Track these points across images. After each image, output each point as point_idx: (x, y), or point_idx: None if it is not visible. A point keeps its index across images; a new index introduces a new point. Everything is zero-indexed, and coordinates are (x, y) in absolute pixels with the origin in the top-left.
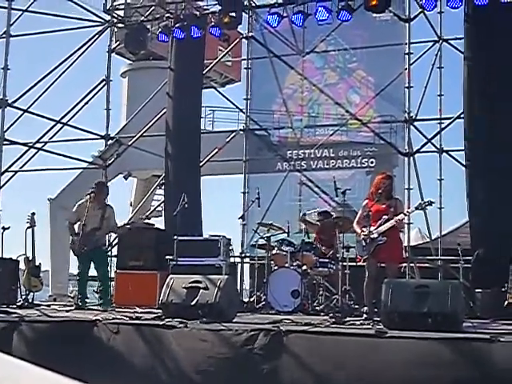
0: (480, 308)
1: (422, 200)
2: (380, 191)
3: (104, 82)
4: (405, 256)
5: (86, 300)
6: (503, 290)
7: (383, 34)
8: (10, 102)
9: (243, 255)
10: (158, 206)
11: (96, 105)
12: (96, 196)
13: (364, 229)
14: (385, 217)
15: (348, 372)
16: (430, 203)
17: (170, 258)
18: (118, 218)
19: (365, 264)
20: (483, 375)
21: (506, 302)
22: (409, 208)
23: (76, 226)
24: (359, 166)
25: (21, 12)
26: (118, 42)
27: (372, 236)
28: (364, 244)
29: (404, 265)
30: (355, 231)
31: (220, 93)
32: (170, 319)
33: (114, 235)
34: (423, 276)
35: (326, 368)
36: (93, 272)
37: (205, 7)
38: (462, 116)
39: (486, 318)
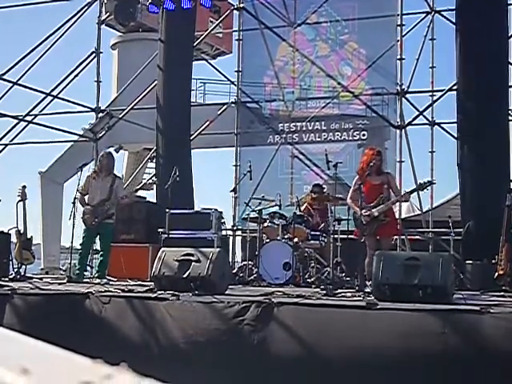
0: (470, 280)
1: (415, 174)
2: (371, 165)
3: (94, 54)
4: (398, 229)
5: (84, 273)
6: (493, 261)
7: (375, 5)
8: None
9: (235, 228)
10: (150, 179)
11: (86, 77)
12: (104, 166)
13: (364, 210)
14: (382, 195)
15: (339, 344)
16: (431, 183)
17: (162, 230)
18: None
19: (357, 238)
20: (473, 347)
21: (496, 274)
22: (406, 190)
23: (86, 198)
24: (351, 138)
25: None
26: (107, 14)
27: (374, 215)
28: (365, 223)
29: (395, 237)
30: (352, 208)
31: (211, 65)
32: (162, 292)
33: None
34: (414, 248)
35: (317, 340)
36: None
37: None
38: (453, 88)
39: (476, 290)
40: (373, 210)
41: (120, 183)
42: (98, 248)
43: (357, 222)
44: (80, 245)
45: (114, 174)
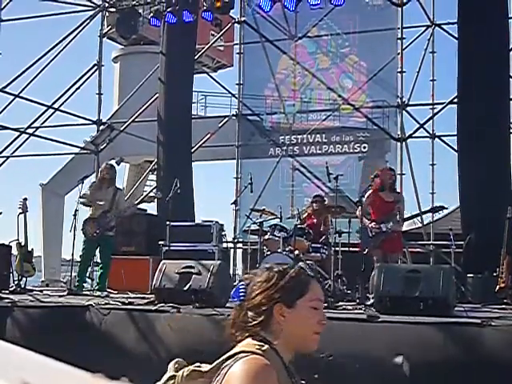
0: (471, 293)
1: (415, 187)
2: (388, 182)
3: (96, 67)
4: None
5: (84, 285)
6: (494, 274)
7: (376, 18)
8: (1, 87)
9: (236, 240)
10: (151, 191)
11: (88, 90)
12: (107, 178)
13: (373, 223)
14: (392, 212)
15: (340, 356)
16: (442, 208)
17: (163, 243)
18: None
19: (359, 251)
20: (474, 359)
21: (497, 287)
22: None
23: (89, 210)
24: (351, 151)
25: None
26: (109, 27)
27: (382, 230)
28: (370, 235)
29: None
30: (362, 220)
31: (212, 78)
32: (162, 304)
33: None
34: (415, 261)
35: (318, 352)
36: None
37: None
38: (454, 101)
39: (477, 303)
40: (381, 225)
41: (121, 195)
42: (99, 260)
43: (363, 234)
44: (80, 257)
45: (116, 186)
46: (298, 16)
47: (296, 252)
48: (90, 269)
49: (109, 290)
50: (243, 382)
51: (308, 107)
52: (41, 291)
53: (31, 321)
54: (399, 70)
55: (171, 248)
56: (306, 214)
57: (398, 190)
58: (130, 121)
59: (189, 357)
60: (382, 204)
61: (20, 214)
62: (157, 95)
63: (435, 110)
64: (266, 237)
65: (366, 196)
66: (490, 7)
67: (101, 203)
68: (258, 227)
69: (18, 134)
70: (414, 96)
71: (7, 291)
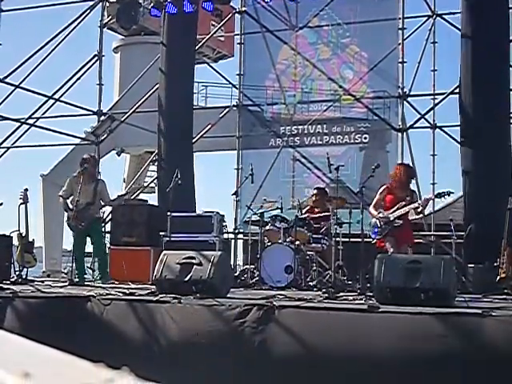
0: (472, 283)
1: (416, 177)
2: (403, 179)
3: (96, 58)
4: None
5: (85, 276)
6: (495, 265)
7: (377, 8)
8: (1, 77)
9: (236, 231)
10: (151, 182)
11: (88, 80)
12: (88, 170)
13: (380, 214)
14: (402, 203)
15: (340, 347)
16: (449, 193)
17: (164, 234)
18: (112, 195)
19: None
20: (475, 350)
21: (498, 277)
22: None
23: (68, 201)
24: (352, 141)
25: None
26: (109, 17)
27: (390, 219)
28: (379, 226)
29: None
30: (371, 214)
31: (213, 68)
32: (163, 295)
33: (107, 211)
34: (416, 251)
35: (319, 342)
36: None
37: None
38: (455, 91)
39: (478, 293)
40: (389, 215)
41: (103, 186)
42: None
43: (372, 227)
44: (72, 249)
45: (97, 177)
46: (298, 6)
47: (297, 243)
48: (91, 259)
49: (110, 281)
50: None
51: (309, 98)
52: (42, 282)
53: (32, 311)
54: (400, 60)
55: (172, 239)
56: (307, 206)
57: (413, 189)
58: (131, 111)
59: (189, 346)
60: (393, 200)
61: (21, 204)
62: (157, 86)
63: (436, 101)
64: (267, 228)
65: (379, 191)
66: None
67: (77, 194)
68: (258, 218)
69: (18, 124)
70: (414, 86)
71: (8, 282)
